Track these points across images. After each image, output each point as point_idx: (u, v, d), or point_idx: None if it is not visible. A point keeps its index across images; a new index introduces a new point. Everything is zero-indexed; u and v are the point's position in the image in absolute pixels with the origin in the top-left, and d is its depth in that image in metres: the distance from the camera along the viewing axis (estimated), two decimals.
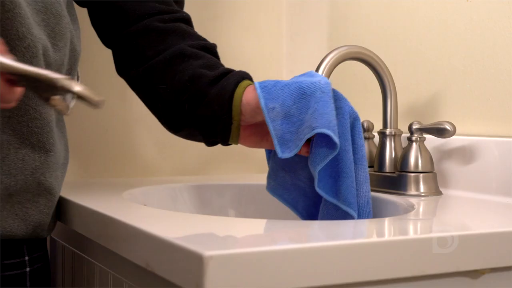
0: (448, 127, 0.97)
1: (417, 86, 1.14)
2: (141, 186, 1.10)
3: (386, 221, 0.78)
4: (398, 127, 1.06)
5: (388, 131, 1.05)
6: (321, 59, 1.00)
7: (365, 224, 0.77)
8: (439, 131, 0.98)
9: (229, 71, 0.90)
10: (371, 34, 1.25)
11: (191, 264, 0.56)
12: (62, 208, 0.92)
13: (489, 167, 0.98)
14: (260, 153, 1.43)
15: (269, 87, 0.87)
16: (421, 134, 1.02)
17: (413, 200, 0.93)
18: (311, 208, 0.96)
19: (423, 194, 0.99)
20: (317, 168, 0.85)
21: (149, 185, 1.12)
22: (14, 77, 0.65)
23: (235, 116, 0.87)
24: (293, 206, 0.96)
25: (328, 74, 0.99)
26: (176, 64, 0.91)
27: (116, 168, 1.31)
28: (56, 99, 0.67)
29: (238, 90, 0.87)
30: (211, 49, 0.95)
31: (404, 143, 1.05)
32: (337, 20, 1.35)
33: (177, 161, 1.36)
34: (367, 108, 1.22)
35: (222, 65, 0.93)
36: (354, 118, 0.88)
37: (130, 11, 0.95)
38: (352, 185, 0.86)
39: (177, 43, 0.93)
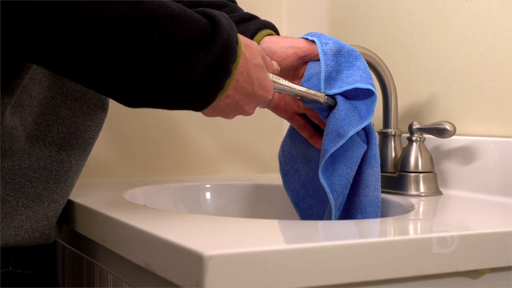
0: (448, 127, 0.97)
1: (417, 86, 1.14)
2: (141, 186, 1.10)
3: (386, 221, 0.78)
4: (398, 127, 1.06)
5: (388, 131, 1.05)
6: None
7: (365, 224, 0.77)
8: (439, 131, 0.98)
9: (251, 18, 0.89)
10: (371, 34, 1.25)
11: (191, 264, 0.56)
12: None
13: (489, 167, 0.98)
14: (260, 153, 1.43)
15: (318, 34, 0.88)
16: (421, 134, 1.02)
17: (413, 200, 0.93)
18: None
19: (423, 194, 0.99)
20: (348, 130, 0.84)
21: (149, 185, 1.12)
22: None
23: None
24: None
25: None
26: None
27: (116, 168, 1.31)
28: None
29: (256, 38, 0.86)
30: None
31: (404, 143, 1.05)
32: (337, 20, 1.35)
33: (177, 161, 1.36)
34: None
35: (242, 10, 0.92)
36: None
37: None
38: (346, 176, 0.86)
39: None
